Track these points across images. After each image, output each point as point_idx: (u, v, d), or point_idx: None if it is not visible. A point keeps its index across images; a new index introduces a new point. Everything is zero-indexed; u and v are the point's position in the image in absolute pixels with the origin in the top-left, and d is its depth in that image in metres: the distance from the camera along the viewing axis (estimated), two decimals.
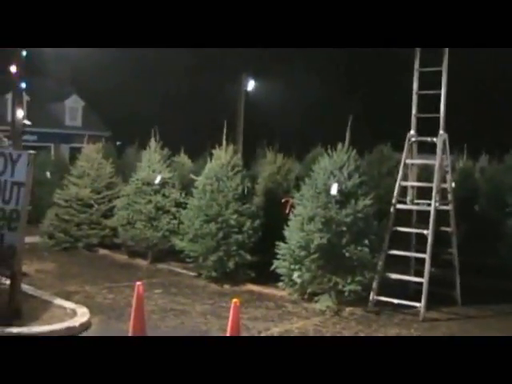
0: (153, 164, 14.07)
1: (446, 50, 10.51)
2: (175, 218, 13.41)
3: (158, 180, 13.71)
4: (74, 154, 18.64)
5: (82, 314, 8.74)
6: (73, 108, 44.87)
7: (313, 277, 10.24)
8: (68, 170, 16.38)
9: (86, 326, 8.45)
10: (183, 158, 18.01)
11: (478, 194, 15.29)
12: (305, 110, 32.34)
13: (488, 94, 33.71)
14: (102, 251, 14.81)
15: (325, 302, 10.17)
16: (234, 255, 11.63)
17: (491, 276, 12.33)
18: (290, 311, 10.06)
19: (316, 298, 10.39)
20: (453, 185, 11.90)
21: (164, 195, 13.78)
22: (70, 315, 8.71)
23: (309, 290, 10.47)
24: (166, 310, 9.66)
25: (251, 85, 28.57)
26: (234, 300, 7.13)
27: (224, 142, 12.42)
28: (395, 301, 10.12)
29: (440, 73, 10.49)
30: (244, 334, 7.99)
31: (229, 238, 11.68)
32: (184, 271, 12.80)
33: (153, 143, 14.38)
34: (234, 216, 11.72)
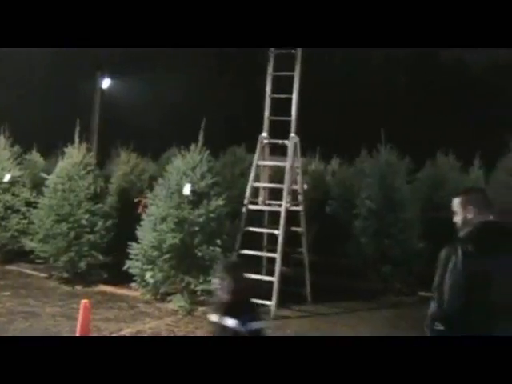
0: (1, 162, 13.70)
1: (299, 54, 11.09)
2: (25, 217, 13.19)
3: (6, 178, 13.38)
4: None
5: None
6: None
7: (165, 277, 10.47)
8: None
9: None
10: (35, 156, 17.57)
11: (329, 196, 16.08)
12: (162, 109, 32.38)
13: (340, 99, 35.41)
14: None
15: (178, 302, 10.43)
16: (85, 255, 11.66)
17: (340, 275, 12.98)
18: (143, 311, 10.23)
19: (169, 298, 10.64)
20: (305, 187, 12.55)
21: (14, 194, 13.51)
22: None
23: (162, 290, 10.71)
24: (14, 313, 9.51)
25: (106, 83, 28.25)
26: (84, 301, 7.22)
27: (76, 140, 12.36)
28: None
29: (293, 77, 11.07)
30: (95, 335, 8.06)
31: (81, 238, 11.68)
32: (34, 272, 12.60)
33: (2, 140, 14.01)
34: (86, 216, 11.73)
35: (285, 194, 10.84)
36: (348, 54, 34.93)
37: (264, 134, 11.34)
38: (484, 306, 4.15)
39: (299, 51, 11.09)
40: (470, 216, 4.48)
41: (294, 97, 11.04)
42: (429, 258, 13.10)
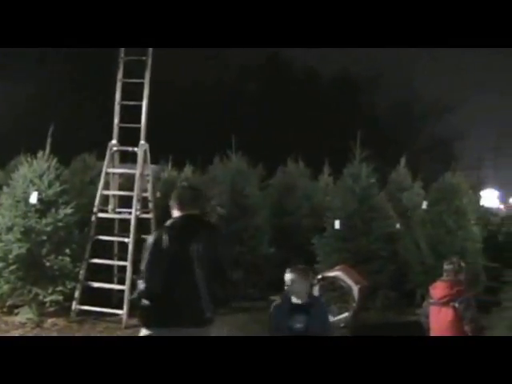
0: None
1: (149, 61, 11.36)
2: None
3: None
4: None
5: None
6: None
7: (12, 289, 10.39)
8: None
9: None
10: None
11: None
12: (10, 116, 31.38)
13: (193, 106, 35.94)
14: None
15: (25, 315, 10.36)
16: None
17: None
18: None
19: (16, 311, 10.52)
20: (158, 194, 12.81)
21: None
22: None
23: (9, 303, 10.57)
24: None
25: None
26: None
27: None
28: (98, 309, 10.58)
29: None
30: None
31: None
32: None
33: None
34: None
35: (134, 201, 11.02)
36: (202, 62, 35.47)
37: (114, 142, 11.49)
38: (184, 284, 5.12)
39: (149, 58, 11.35)
40: (174, 209, 5.48)
41: (144, 104, 11.28)
42: (279, 262, 13.88)
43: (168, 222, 5.44)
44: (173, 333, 4.96)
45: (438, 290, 7.23)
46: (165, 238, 5.16)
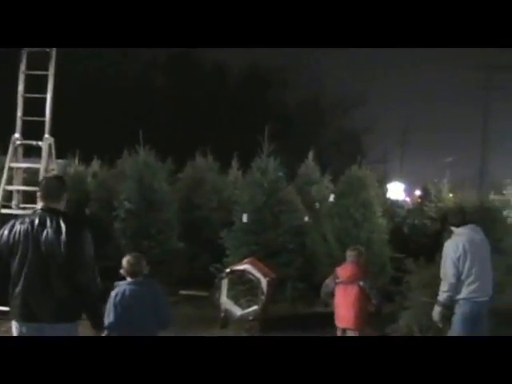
0: None
1: (53, 54, 11.14)
2: None
3: None
4: None
5: None
6: None
7: None
8: None
9: None
10: None
11: (89, 198, 16.21)
12: None
13: (100, 101, 35.42)
14: None
15: None
16: None
17: (102, 278, 13.20)
18: None
19: None
20: None
21: None
22: None
23: None
24: None
25: None
26: None
27: None
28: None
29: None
30: None
31: None
32: None
33: None
34: None
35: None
36: (110, 56, 34.99)
37: (17, 135, 11.24)
38: (36, 281, 5.06)
39: (54, 49, 11.13)
40: (38, 200, 5.40)
41: (49, 97, 11.09)
42: (189, 257, 13.94)
43: (23, 215, 5.34)
44: (37, 328, 5.00)
45: (345, 270, 8.62)
46: (16, 229, 5.08)
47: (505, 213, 17.79)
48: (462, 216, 7.91)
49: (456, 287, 7.38)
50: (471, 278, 7.33)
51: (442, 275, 7.58)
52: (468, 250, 7.40)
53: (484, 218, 12.75)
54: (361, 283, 8.44)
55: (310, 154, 19.06)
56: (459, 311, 7.42)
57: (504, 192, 26.15)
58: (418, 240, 17.61)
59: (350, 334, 8.51)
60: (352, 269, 8.59)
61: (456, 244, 7.51)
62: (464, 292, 7.36)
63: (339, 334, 8.66)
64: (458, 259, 7.36)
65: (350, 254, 8.75)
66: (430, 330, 8.31)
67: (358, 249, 8.95)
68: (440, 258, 7.80)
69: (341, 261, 9.08)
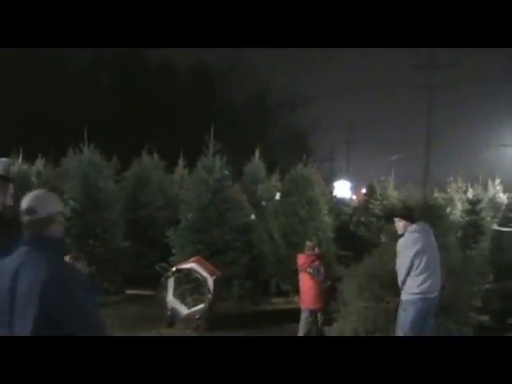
0: None
1: None
2: None
3: None
4: None
5: None
6: None
7: None
8: None
9: None
10: None
11: None
12: None
13: (45, 98, 34.87)
14: None
15: None
16: None
17: None
18: None
19: None
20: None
21: None
22: None
23: None
24: None
25: None
26: None
27: None
28: None
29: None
30: None
31: None
32: None
33: None
34: None
35: None
36: (55, 54, 34.48)
37: None
38: None
39: None
40: None
41: None
42: (134, 256, 13.87)
43: None
44: None
45: (299, 259, 9.85)
46: None
47: (448, 210, 18.18)
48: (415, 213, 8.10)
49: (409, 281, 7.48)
50: (426, 275, 7.42)
51: (397, 270, 7.66)
52: (425, 246, 7.52)
53: (427, 215, 13.00)
54: (309, 270, 9.64)
55: (257, 153, 19.13)
56: (412, 308, 7.45)
57: (448, 190, 26.76)
58: (363, 237, 17.88)
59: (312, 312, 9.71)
60: (303, 258, 9.82)
61: (413, 240, 7.60)
62: (418, 289, 7.42)
63: (306, 315, 9.69)
64: (415, 255, 7.44)
65: (307, 245, 10.07)
66: (376, 332, 8.36)
67: (312, 240, 10.32)
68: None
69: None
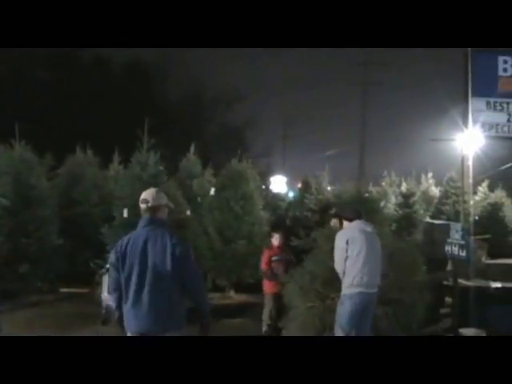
0: None
1: None
2: None
3: None
4: None
5: None
6: None
7: None
8: None
9: None
10: None
11: None
12: None
13: None
14: None
15: None
16: None
17: None
18: None
19: None
20: None
21: None
22: None
23: None
24: None
25: None
26: None
27: None
28: None
29: None
30: None
31: None
32: None
33: None
34: None
35: None
36: None
37: None
38: None
39: None
40: None
41: None
42: (69, 254, 13.71)
43: None
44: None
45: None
46: None
47: (382, 203, 18.58)
48: (356, 211, 8.19)
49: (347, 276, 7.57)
50: (364, 270, 7.47)
51: (335, 264, 7.76)
52: (357, 237, 7.60)
53: (361, 208, 13.27)
54: (272, 263, 10.46)
55: (192, 148, 19.11)
56: (349, 302, 7.50)
57: (382, 183, 27.32)
58: (299, 232, 18.06)
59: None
60: (267, 251, 10.66)
61: (345, 233, 7.75)
62: (356, 283, 7.47)
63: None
64: (347, 242, 7.53)
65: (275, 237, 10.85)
66: (326, 329, 8.42)
67: (280, 233, 10.98)
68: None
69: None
